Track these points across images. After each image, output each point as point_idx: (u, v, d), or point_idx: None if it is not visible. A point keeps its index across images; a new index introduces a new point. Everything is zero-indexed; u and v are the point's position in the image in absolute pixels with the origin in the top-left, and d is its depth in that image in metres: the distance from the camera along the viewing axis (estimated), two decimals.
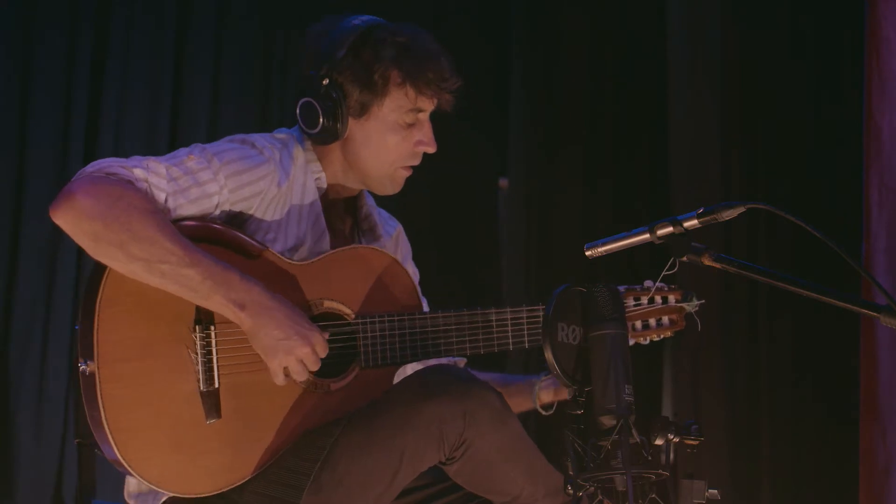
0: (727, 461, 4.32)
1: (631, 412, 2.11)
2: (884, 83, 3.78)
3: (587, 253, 2.29)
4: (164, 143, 4.65)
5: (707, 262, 2.20)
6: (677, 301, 2.63)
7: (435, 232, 4.87)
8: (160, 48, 4.69)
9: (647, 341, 2.65)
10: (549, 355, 2.18)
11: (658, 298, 2.63)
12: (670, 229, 2.21)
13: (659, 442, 2.11)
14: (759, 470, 4.33)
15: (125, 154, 4.66)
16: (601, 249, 2.28)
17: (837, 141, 4.31)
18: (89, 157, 4.55)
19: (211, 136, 4.67)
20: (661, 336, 2.65)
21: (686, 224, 2.21)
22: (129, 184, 2.32)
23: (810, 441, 4.29)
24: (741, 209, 2.19)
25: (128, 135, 4.62)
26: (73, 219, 2.28)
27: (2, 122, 4.51)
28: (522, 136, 5.04)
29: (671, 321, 2.65)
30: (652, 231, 2.22)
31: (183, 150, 2.44)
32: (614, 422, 2.10)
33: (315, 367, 2.36)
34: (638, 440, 2.10)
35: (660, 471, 2.10)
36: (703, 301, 2.62)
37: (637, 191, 4.82)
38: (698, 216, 2.20)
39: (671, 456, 2.11)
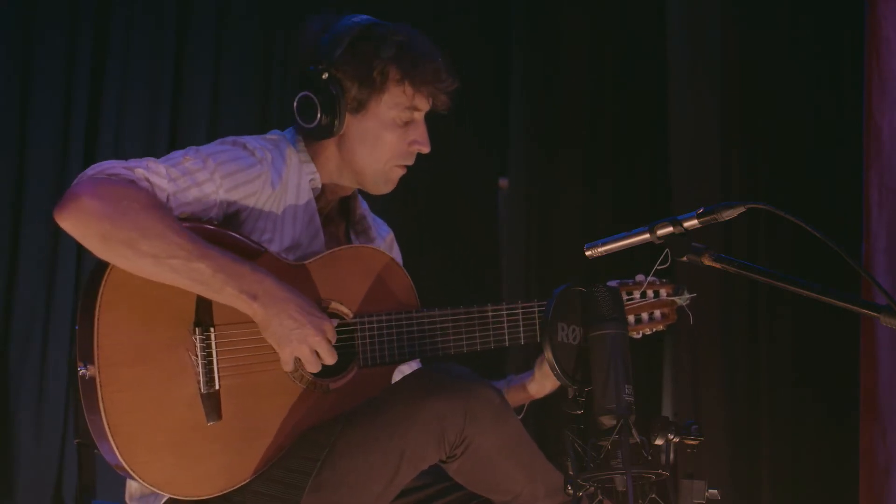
0: (727, 461, 4.32)
1: (631, 412, 2.12)
2: (884, 83, 3.78)
3: (587, 253, 2.29)
4: (164, 143, 4.65)
5: (707, 262, 2.21)
6: (668, 295, 2.64)
7: (435, 232, 4.87)
8: (160, 48, 4.69)
9: (640, 335, 2.65)
10: (549, 355, 2.18)
11: (650, 292, 2.64)
12: (670, 229, 2.21)
13: (659, 442, 2.11)
14: (759, 470, 4.33)
15: (125, 154, 4.68)
16: (601, 249, 2.28)
17: (837, 141, 4.30)
18: (89, 157, 4.55)
19: (211, 136, 4.67)
20: (654, 330, 2.66)
21: (686, 224, 2.21)
22: (132, 183, 2.32)
23: (810, 441, 4.29)
24: (741, 209, 2.19)
25: (128, 135, 4.62)
26: (82, 220, 2.27)
27: (2, 122, 4.51)
28: (522, 136, 5.04)
29: (663, 315, 2.66)
30: (652, 231, 2.22)
31: (178, 153, 2.44)
32: (614, 422, 2.11)
33: (329, 358, 2.37)
34: (638, 440, 2.10)
35: (660, 471, 2.10)
36: (695, 294, 2.62)
37: (637, 191, 4.82)
38: (698, 216, 2.21)
39: (671, 456, 2.11)
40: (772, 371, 4.35)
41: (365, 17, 2.58)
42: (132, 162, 2.37)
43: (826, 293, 2.14)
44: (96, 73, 4.62)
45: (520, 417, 2.52)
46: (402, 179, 2.64)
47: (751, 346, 4.39)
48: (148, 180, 2.35)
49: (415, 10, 4.57)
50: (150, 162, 2.38)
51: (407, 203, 4.70)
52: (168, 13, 4.71)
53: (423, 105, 2.58)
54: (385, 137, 2.55)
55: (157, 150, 4.60)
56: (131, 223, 2.26)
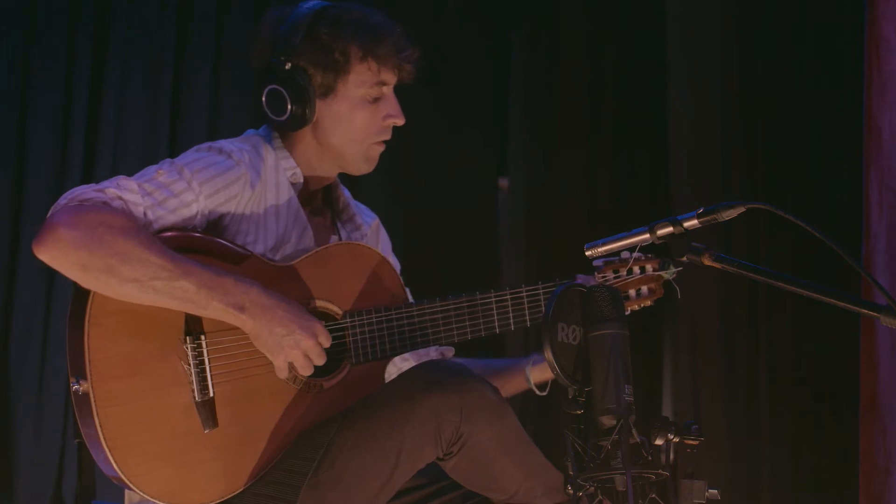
0: (727, 461, 4.32)
1: (631, 412, 2.12)
2: (884, 83, 3.79)
3: (587, 253, 2.30)
4: (164, 142, 4.64)
5: (707, 262, 2.21)
6: (654, 270, 2.64)
7: (435, 232, 4.87)
8: (160, 48, 4.69)
9: (629, 312, 2.64)
10: (549, 355, 2.18)
11: (636, 269, 2.63)
12: (670, 229, 2.21)
13: (659, 442, 2.11)
14: (759, 470, 4.33)
15: (125, 153, 4.67)
16: (601, 249, 2.28)
17: (837, 141, 4.30)
18: (89, 157, 4.56)
19: (211, 137, 4.65)
20: (642, 305, 2.66)
21: (686, 224, 2.21)
22: (105, 205, 2.31)
23: (810, 441, 4.29)
24: (741, 209, 2.20)
25: (128, 135, 4.61)
26: (59, 252, 2.27)
27: (2, 122, 4.51)
28: (522, 136, 5.04)
29: (650, 290, 2.66)
30: (652, 231, 2.23)
31: (151, 168, 2.44)
32: (614, 422, 2.11)
33: (319, 360, 2.36)
34: (638, 440, 2.10)
35: (660, 471, 2.10)
36: (681, 269, 2.62)
37: (637, 191, 4.83)
38: (698, 216, 2.21)
39: (671, 456, 2.11)
40: (772, 371, 4.35)
41: (315, 2, 2.57)
42: (103, 183, 2.36)
43: (826, 293, 2.14)
44: (96, 73, 4.61)
45: (544, 393, 2.51)
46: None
47: (751, 346, 4.39)
48: (121, 198, 2.33)
49: (415, 9, 4.58)
50: (122, 180, 2.37)
51: (407, 203, 4.69)
52: (168, 13, 4.71)
53: (390, 78, 2.58)
54: (358, 117, 2.56)
55: (157, 149, 4.60)
56: (109, 249, 2.26)
